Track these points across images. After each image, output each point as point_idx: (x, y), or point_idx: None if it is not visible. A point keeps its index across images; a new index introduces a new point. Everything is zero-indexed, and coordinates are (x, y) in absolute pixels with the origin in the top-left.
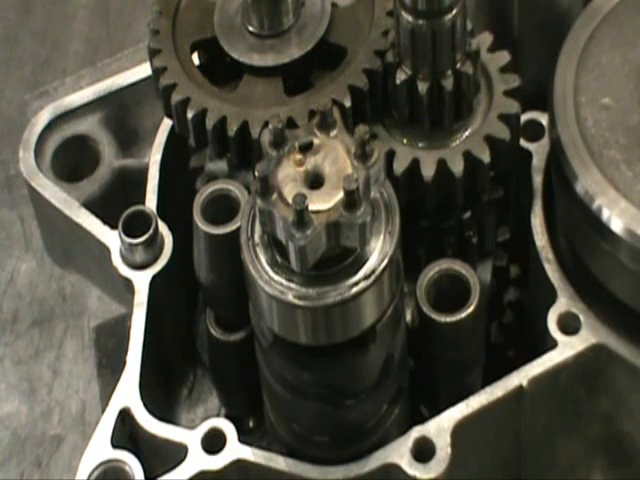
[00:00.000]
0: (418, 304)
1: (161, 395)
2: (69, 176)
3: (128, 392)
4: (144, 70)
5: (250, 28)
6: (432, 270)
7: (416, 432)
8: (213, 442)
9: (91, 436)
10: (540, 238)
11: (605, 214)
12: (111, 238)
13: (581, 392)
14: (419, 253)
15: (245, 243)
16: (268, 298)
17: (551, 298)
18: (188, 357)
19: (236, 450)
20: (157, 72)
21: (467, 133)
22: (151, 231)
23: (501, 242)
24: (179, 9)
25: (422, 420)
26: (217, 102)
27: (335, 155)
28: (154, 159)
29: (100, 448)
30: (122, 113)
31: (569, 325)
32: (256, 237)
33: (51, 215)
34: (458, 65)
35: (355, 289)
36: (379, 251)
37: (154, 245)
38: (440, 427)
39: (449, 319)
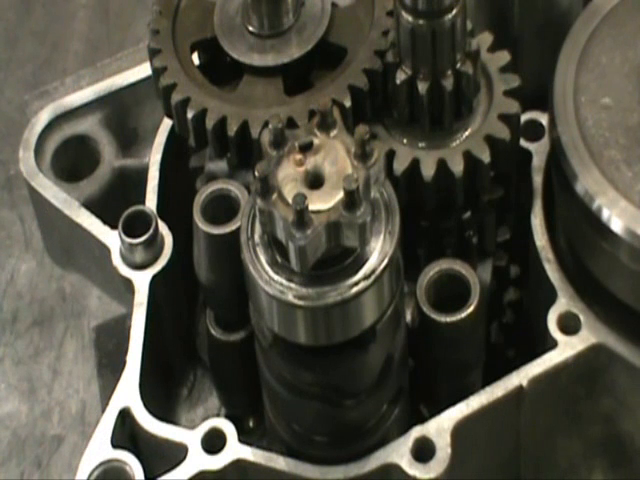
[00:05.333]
0: (418, 304)
1: (161, 395)
2: (69, 176)
3: (128, 392)
4: (144, 70)
5: (250, 28)
6: (432, 270)
7: (416, 432)
8: (213, 442)
9: (91, 436)
10: (540, 238)
11: (605, 214)
12: (111, 238)
13: (581, 392)
14: (419, 253)
15: (245, 243)
16: (268, 298)
17: (551, 298)
18: (188, 357)
19: (236, 450)
20: (157, 72)
21: (467, 133)
22: (151, 231)
23: (501, 242)
24: (179, 9)
25: (422, 420)
26: (217, 102)
27: (335, 155)
28: (154, 159)
29: (100, 448)
30: (122, 113)
31: (569, 325)
32: (256, 237)
33: (51, 215)
34: (458, 65)
35: (355, 289)
36: (379, 251)
37: (154, 245)
38: (440, 427)
39: (449, 319)
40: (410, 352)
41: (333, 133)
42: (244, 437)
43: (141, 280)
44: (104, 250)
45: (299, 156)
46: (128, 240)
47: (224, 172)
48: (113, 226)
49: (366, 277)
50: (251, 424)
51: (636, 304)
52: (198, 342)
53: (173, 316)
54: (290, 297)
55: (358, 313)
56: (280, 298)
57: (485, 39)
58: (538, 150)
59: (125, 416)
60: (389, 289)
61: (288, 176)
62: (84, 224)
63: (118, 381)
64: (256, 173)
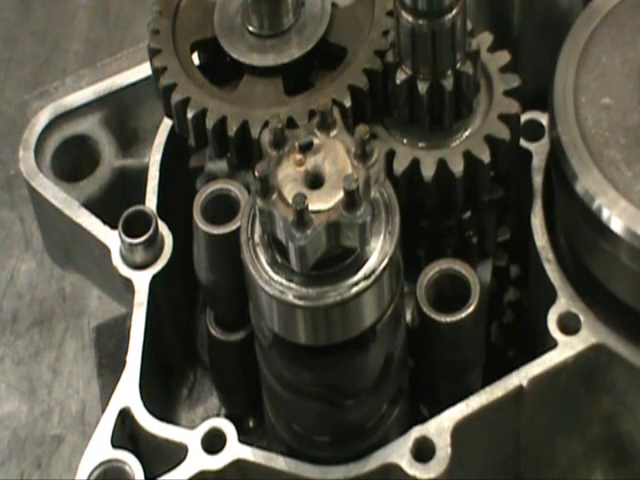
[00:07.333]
0: (418, 304)
1: (161, 395)
2: (69, 176)
3: (128, 392)
4: (144, 70)
5: (250, 28)
6: (432, 270)
7: (416, 432)
8: (213, 442)
9: (91, 436)
10: (540, 238)
11: (605, 214)
12: (111, 238)
13: (581, 392)
14: (419, 253)
15: (245, 243)
16: (268, 298)
17: (551, 298)
18: (188, 357)
19: (236, 450)
20: (157, 72)
21: (467, 133)
22: (151, 231)
23: (501, 242)
24: (179, 9)
25: (422, 420)
26: (217, 102)
27: (335, 155)
28: (154, 159)
29: (100, 448)
30: (122, 113)
31: (569, 325)
32: (256, 237)
33: (51, 215)
34: (458, 65)
35: (355, 289)
36: (379, 251)
37: (154, 245)
38: (440, 427)
39: (449, 319)
40: (410, 352)
41: (333, 133)
42: (244, 437)
43: (141, 280)
44: (104, 250)
45: (299, 156)
46: (128, 240)
47: (224, 172)
48: (113, 226)
49: (366, 277)
50: (251, 424)
51: (636, 304)
52: (198, 342)
53: (173, 316)
54: (290, 297)
55: (358, 313)
56: (280, 298)
57: (485, 39)
58: (538, 150)
59: (125, 416)
60: (389, 289)
61: (288, 176)
62: (84, 224)
63: (118, 381)
64: (256, 173)
